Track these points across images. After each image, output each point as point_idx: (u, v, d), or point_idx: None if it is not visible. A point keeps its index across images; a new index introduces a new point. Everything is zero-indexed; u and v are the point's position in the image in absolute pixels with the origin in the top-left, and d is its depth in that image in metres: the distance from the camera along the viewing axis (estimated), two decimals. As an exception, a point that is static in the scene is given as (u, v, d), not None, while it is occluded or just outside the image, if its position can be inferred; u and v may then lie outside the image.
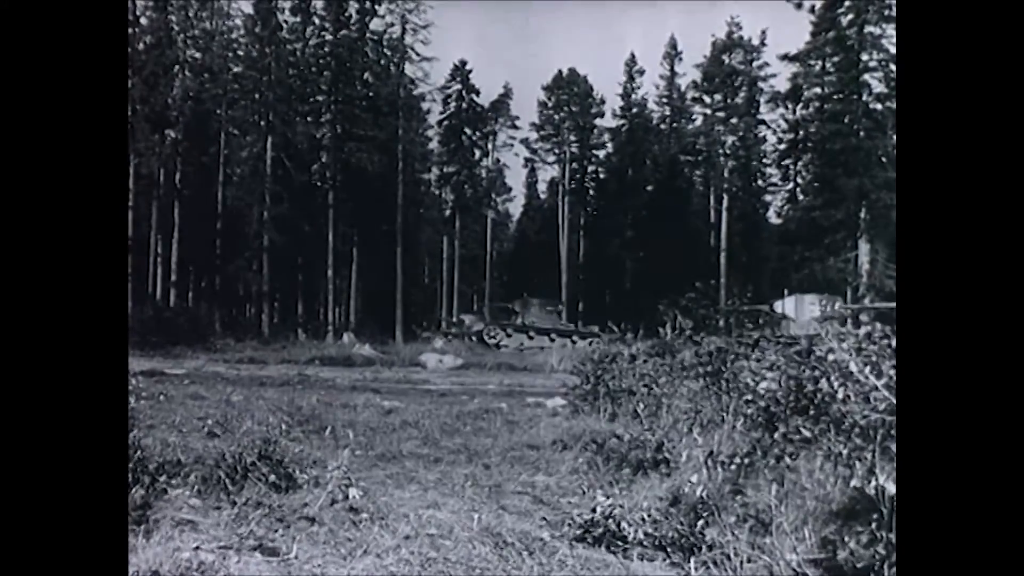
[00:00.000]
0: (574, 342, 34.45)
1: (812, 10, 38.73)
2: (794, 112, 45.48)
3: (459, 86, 52.57)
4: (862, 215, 36.19)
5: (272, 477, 6.13)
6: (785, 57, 41.81)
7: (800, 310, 25.02)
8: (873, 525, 4.29)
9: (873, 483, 4.41)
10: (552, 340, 34.43)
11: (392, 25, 44.51)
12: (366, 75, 44.26)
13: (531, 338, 34.68)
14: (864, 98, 37.46)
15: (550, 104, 54.45)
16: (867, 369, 5.86)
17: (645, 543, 5.14)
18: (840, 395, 6.04)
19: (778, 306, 25.87)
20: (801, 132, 44.07)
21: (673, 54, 53.34)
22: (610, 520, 5.28)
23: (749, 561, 4.62)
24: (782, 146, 48.18)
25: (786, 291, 29.72)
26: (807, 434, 6.32)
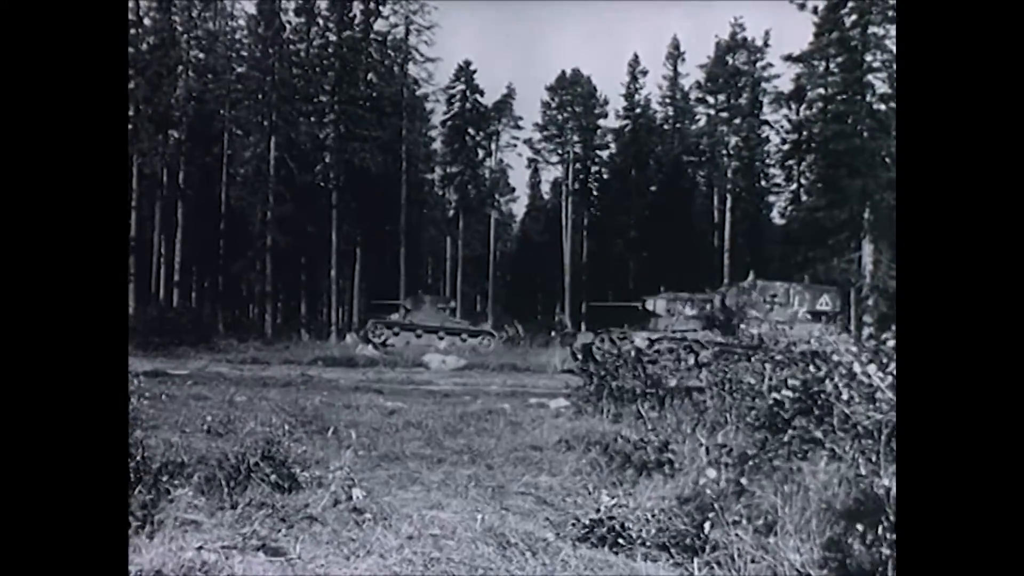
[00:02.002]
0: (464, 340, 33.85)
1: (815, 11, 38.61)
2: (797, 113, 45.39)
3: (463, 86, 52.57)
4: (866, 216, 36.06)
5: (275, 477, 6.14)
6: (788, 58, 41.67)
7: (672, 307, 25.20)
8: (878, 526, 4.28)
9: (878, 483, 4.40)
10: (441, 338, 33.83)
11: (396, 26, 44.64)
12: (370, 76, 44.30)
13: (419, 336, 33.88)
14: (868, 99, 37.31)
15: (553, 104, 54.38)
16: (871, 368, 5.85)
17: (649, 543, 5.13)
18: (845, 396, 6.05)
19: (650, 304, 25.88)
20: (804, 133, 43.93)
21: (676, 55, 53.23)
22: (614, 520, 5.27)
23: (753, 562, 4.61)
24: (785, 147, 48.08)
25: (662, 288, 29.47)
26: (812, 434, 6.32)
